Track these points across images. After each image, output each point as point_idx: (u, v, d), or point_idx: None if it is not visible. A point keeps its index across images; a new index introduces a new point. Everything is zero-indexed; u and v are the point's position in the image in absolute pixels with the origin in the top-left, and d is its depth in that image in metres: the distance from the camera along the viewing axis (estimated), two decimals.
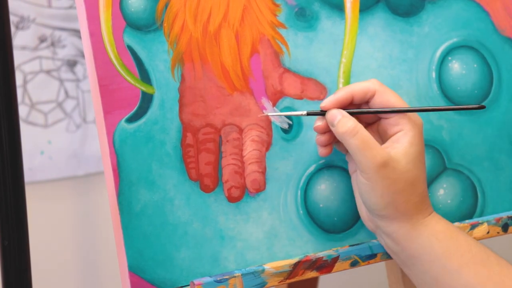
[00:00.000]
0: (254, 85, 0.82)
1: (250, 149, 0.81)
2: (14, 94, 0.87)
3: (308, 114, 0.81)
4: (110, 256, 1.58)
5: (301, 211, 0.83)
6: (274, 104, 0.82)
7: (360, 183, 0.79)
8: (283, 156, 0.82)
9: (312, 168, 0.83)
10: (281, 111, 0.82)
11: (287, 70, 0.83)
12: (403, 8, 0.88)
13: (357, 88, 0.80)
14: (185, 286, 0.77)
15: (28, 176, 1.48)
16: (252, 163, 0.81)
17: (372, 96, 0.80)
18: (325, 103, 0.80)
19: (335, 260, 0.82)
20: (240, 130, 0.81)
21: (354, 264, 0.83)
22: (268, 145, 0.82)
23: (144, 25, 0.78)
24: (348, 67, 0.86)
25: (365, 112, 0.81)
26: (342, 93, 0.80)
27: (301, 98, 0.83)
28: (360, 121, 0.81)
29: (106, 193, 0.79)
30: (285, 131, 0.83)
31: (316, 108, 0.83)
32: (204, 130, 0.79)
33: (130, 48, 0.77)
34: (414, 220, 0.79)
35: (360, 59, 0.86)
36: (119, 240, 0.76)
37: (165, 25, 0.79)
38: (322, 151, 0.82)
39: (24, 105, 1.51)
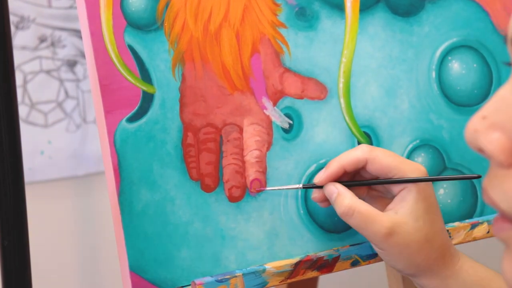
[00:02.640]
0: (254, 85, 0.82)
1: (250, 149, 0.81)
2: (14, 94, 0.87)
3: (304, 187, 0.81)
4: (110, 256, 1.58)
5: (302, 211, 0.83)
6: (274, 104, 0.82)
7: (376, 250, 0.79)
8: (284, 155, 0.82)
9: (312, 168, 0.83)
10: (281, 110, 0.82)
11: (288, 70, 0.83)
12: (403, 8, 0.88)
13: (347, 159, 0.79)
14: (186, 286, 0.77)
15: (28, 176, 1.48)
16: (253, 163, 0.81)
17: (365, 164, 0.79)
18: (319, 179, 0.79)
19: (336, 259, 0.82)
20: (241, 130, 0.81)
21: (355, 263, 0.83)
22: (268, 144, 0.82)
23: (144, 25, 0.78)
24: (349, 66, 0.86)
25: (360, 184, 0.80)
26: (333, 167, 0.79)
27: (301, 98, 0.83)
28: (361, 187, 0.81)
29: (106, 193, 0.79)
30: (285, 130, 0.83)
31: (316, 106, 0.83)
32: (204, 130, 0.79)
33: (130, 48, 0.77)
34: (442, 274, 0.78)
35: (360, 59, 0.86)
36: (120, 240, 0.76)
37: (165, 24, 0.79)
38: (324, 205, 0.81)
39: (24, 105, 1.51)
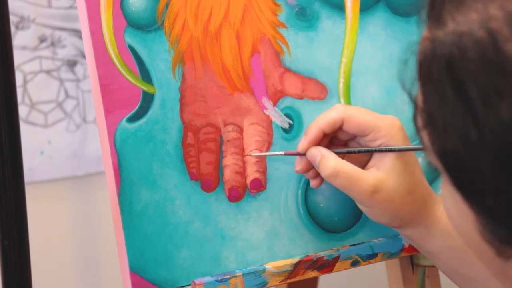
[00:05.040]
0: (254, 85, 0.82)
1: (251, 149, 0.81)
2: (14, 94, 0.87)
3: (286, 154, 0.81)
4: (110, 256, 1.58)
5: (302, 211, 0.83)
6: (274, 104, 0.82)
7: (361, 208, 0.80)
8: (284, 155, 0.82)
9: None
10: (281, 110, 0.82)
11: (288, 70, 0.83)
12: (403, 8, 0.88)
13: (324, 121, 0.79)
14: (186, 285, 0.77)
15: (28, 176, 1.48)
16: (253, 163, 0.81)
17: (341, 123, 0.79)
18: (301, 146, 0.80)
19: (336, 259, 0.82)
20: (241, 130, 0.81)
21: (355, 263, 0.83)
22: (268, 144, 0.82)
23: (145, 25, 0.78)
24: (349, 66, 0.86)
25: (345, 152, 0.80)
26: (312, 132, 0.79)
27: (301, 98, 0.83)
28: (340, 140, 0.81)
29: (106, 193, 0.79)
30: (285, 130, 0.82)
31: (316, 106, 0.83)
32: (205, 130, 0.79)
33: (131, 48, 0.77)
34: (425, 222, 0.79)
35: (361, 59, 0.86)
36: (120, 240, 0.76)
37: (166, 24, 0.79)
38: (314, 183, 0.81)
39: (24, 105, 1.51)
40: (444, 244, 0.79)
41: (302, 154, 0.80)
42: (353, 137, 0.81)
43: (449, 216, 0.57)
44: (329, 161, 0.78)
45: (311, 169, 0.81)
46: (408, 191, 0.78)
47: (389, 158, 0.78)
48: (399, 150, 0.79)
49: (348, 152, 0.80)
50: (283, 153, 0.81)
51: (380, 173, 0.78)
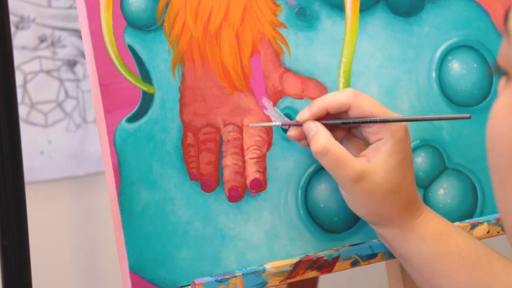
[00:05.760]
0: (254, 85, 0.82)
1: (250, 149, 0.81)
2: (14, 94, 0.87)
3: (283, 125, 0.81)
4: (110, 256, 1.58)
5: (302, 211, 0.83)
6: (274, 104, 0.82)
7: (342, 194, 0.80)
8: (284, 156, 0.82)
9: (312, 168, 0.83)
10: (281, 110, 0.82)
11: (288, 70, 0.83)
12: (403, 8, 0.88)
13: (331, 102, 0.79)
14: (186, 286, 0.77)
15: (28, 176, 1.48)
16: (253, 163, 0.81)
17: (348, 108, 0.79)
18: (301, 115, 0.80)
19: (335, 259, 0.82)
20: (241, 130, 0.81)
21: (354, 263, 0.83)
22: (268, 145, 0.82)
23: (144, 25, 0.78)
24: (349, 66, 0.86)
25: (340, 123, 0.80)
26: (316, 106, 0.80)
27: (301, 98, 0.83)
28: (340, 129, 0.81)
29: (106, 193, 0.79)
30: (285, 130, 0.83)
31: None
32: (204, 130, 0.79)
33: (130, 48, 0.77)
34: (402, 225, 0.79)
35: (361, 59, 0.86)
36: (120, 240, 0.76)
37: (165, 24, 0.79)
38: (299, 143, 0.81)
39: (24, 105, 1.51)
40: (417, 250, 0.79)
41: (299, 125, 0.80)
42: (358, 126, 0.81)
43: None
44: (320, 139, 0.78)
45: (303, 139, 0.81)
46: (392, 191, 0.78)
47: (382, 153, 0.78)
48: (397, 121, 0.78)
49: (343, 123, 0.80)
50: (279, 123, 0.81)
51: (369, 165, 0.78)
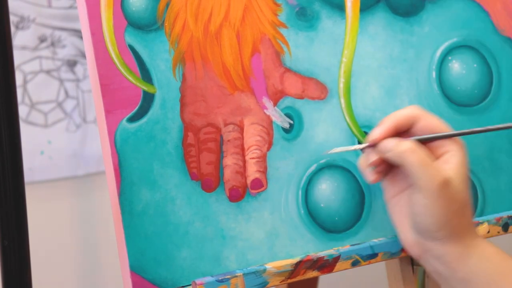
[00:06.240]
0: (255, 85, 0.82)
1: (251, 149, 0.81)
2: (14, 94, 0.87)
3: (363, 148, 0.81)
4: (110, 256, 1.58)
5: (302, 211, 0.83)
6: (275, 104, 0.82)
7: (416, 204, 0.78)
8: (284, 155, 0.82)
9: (313, 168, 0.83)
10: (282, 110, 0.82)
11: (288, 70, 0.83)
12: (404, 8, 0.88)
13: (400, 116, 0.80)
14: (186, 285, 0.77)
15: (28, 176, 1.48)
16: (253, 163, 0.81)
17: (415, 122, 0.80)
18: (374, 136, 0.79)
19: (336, 259, 0.82)
20: (241, 130, 0.81)
21: (355, 263, 0.83)
22: (269, 144, 0.82)
23: (145, 25, 0.78)
24: (349, 66, 0.86)
25: (420, 139, 0.80)
26: (387, 123, 0.79)
27: (302, 98, 0.83)
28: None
29: (106, 193, 0.79)
30: (286, 130, 0.83)
31: (316, 106, 0.83)
32: (205, 130, 0.79)
33: (131, 48, 0.77)
34: (466, 242, 0.78)
35: (361, 59, 0.86)
36: (120, 240, 0.76)
37: (166, 24, 0.79)
38: (374, 178, 0.81)
39: (24, 105, 1.51)
40: (482, 268, 0.77)
41: (372, 146, 0.80)
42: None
43: None
44: (407, 141, 0.78)
45: (382, 163, 0.80)
46: (465, 203, 0.78)
47: (456, 165, 0.78)
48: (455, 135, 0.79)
49: (418, 140, 0.79)
50: (359, 147, 0.81)
51: (452, 171, 0.78)
